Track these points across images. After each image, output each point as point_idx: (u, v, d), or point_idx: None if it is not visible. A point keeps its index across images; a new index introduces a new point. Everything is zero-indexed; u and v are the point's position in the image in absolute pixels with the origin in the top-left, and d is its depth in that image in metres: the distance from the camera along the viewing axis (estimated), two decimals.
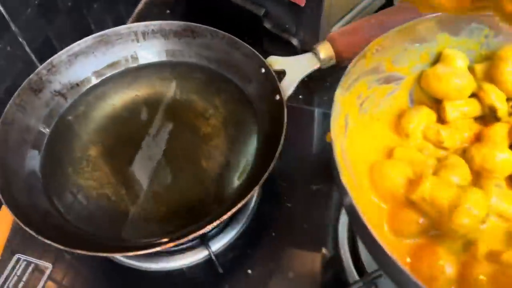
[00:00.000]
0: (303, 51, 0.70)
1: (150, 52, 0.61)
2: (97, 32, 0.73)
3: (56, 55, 0.56)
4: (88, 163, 0.54)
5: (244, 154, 0.53)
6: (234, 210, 0.42)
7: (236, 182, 0.51)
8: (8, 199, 0.46)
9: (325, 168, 0.59)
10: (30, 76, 0.54)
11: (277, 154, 0.45)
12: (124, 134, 0.56)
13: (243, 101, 0.57)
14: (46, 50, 0.61)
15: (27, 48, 0.61)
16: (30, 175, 0.51)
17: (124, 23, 0.79)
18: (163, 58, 0.61)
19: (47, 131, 0.55)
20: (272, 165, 0.45)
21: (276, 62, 0.54)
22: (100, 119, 0.57)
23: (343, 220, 0.55)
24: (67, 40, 0.63)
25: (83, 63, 0.58)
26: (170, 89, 0.60)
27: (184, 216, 0.49)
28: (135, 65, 0.61)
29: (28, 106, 0.54)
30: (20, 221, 0.43)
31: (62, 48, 0.64)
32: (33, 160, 0.53)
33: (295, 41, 0.72)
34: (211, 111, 0.57)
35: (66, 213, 0.50)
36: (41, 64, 0.61)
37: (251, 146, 0.53)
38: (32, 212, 0.47)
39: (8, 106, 0.51)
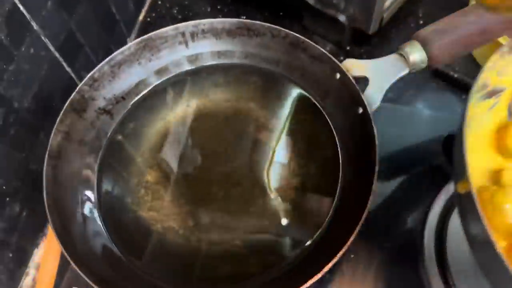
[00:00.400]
0: (352, 28, 0.63)
1: (201, 54, 0.53)
2: (120, 17, 0.66)
3: (96, 68, 0.48)
4: (147, 191, 0.48)
5: (324, 176, 0.47)
6: (334, 260, 0.37)
7: (318, 212, 0.45)
8: (68, 247, 0.41)
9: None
10: (72, 96, 0.47)
11: (373, 187, 0.40)
12: (181, 153, 0.50)
13: (313, 111, 0.50)
14: (71, 46, 0.55)
15: (51, 47, 0.54)
16: (87, 213, 0.46)
17: (145, 2, 0.72)
18: (215, 61, 0.54)
19: (97, 156, 0.49)
20: (369, 203, 0.39)
21: (354, 66, 0.46)
22: (152, 137, 0.51)
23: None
24: (90, 31, 0.58)
25: (127, 73, 0.51)
26: (224, 96, 0.53)
27: (260, 256, 0.44)
28: (184, 70, 0.54)
29: (73, 131, 0.47)
30: (84, 273, 0.38)
31: (86, 41, 0.57)
32: (88, 194, 0.47)
33: (342, 18, 0.64)
34: (274, 121, 0.51)
35: (130, 254, 0.45)
36: (67, 63, 0.55)
37: (331, 168, 0.47)
38: (96, 262, 0.42)
39: (52, 135, 0.45)
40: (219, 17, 0.69)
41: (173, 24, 0.70)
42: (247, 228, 0.46)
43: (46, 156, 0.44)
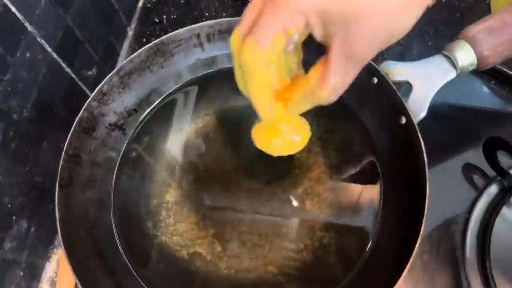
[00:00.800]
0: None
1: (218, 57, 0.48)
2: (118, 6, 0.61)
3: (105, 80, 0.43)
4: (168, 213, 0.44)
5: (361, 193, 0.43)
6: None
7: (359, 232, 0.42)
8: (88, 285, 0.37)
9: None
10: (80, 114, 0.42)
11: (424, 212, 0.36)
12: (203, 169, 0.45)
13: (347, 119, 0.45)
14: (68, 44, 0.50)
15: (48, 48, 0.49)
16: (106, 244, 0.42)
17: None
18: None
19: (112, 177, 0.44)
20: (421, 232, 0.35)
21: (394, 69, 0.42)
22: (169, 151, 0.47)
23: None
24: (88, 24, 0.53)
25: (138, 83, 0.46)
26: (246, 102, 0.48)
27: (299, 284, 0.41)
28: (200, 75, 0.48)
29: (84, 153, 0.42)
30: None
31: (84, 37, 0.53)
32: (105, 222, 0.43)
33: None
34: None
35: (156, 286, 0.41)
36: (66, 64, 0.50)
37: (369, 184, 0.43)
38: None
39: (61, 162, 0.41)
40: (226, 0, 0.64)
41: (175, 9, 0.66)
42: (281, 252, 0.42)
43: (57, 187, 0.40)
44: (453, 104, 0.53)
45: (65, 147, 0.41)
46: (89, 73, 0.55)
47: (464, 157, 0.51)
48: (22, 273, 0.46)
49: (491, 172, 0.48)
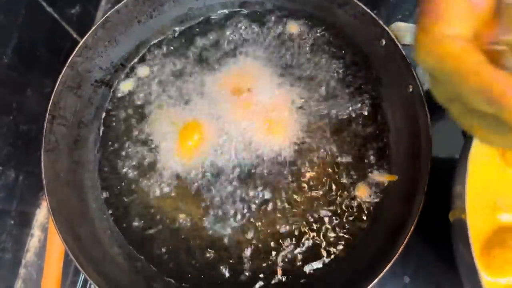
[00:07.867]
0: None
1: (214, 6, 0.44)
2: None
3: (89, 33, 0.40)
4: (161, 174, 0.42)
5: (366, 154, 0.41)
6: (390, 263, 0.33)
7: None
8: (79, 254, 0.36)
9: None
10: (63, 72, 0.39)
11: (424, 191, 0.35)
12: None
13: (351, 80, 0.42)
14: None
15: None
16: (96, 209, 0.40)
17: None
18: (233, 7, 0.44)
19: (99, 137, 0.42)
20: (421, 204, 0.34)
21: (404, 32, 0.38)
22: (157, 110, 0.44)
23: None
24: None
25: (125, 35, 0.42)
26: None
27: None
28: (193, 23, 0.44)
29: (69, 114, 0.40)
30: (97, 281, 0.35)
31: None
32: (95, 186, 0.41)
33: None
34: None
35: (147, 251, 0.41)
36: (47, 2, 0.47)
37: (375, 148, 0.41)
38: (111, 265, 0.39)
39: (45, 124, 0.38)
40: None
41: None
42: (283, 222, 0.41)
43: (42, 152, 0.38)
44: None
45: (49, 107, 0.39)
46: (72, 11, 0.51)
47: None
48: (12, 222, 0.45)
49: None
